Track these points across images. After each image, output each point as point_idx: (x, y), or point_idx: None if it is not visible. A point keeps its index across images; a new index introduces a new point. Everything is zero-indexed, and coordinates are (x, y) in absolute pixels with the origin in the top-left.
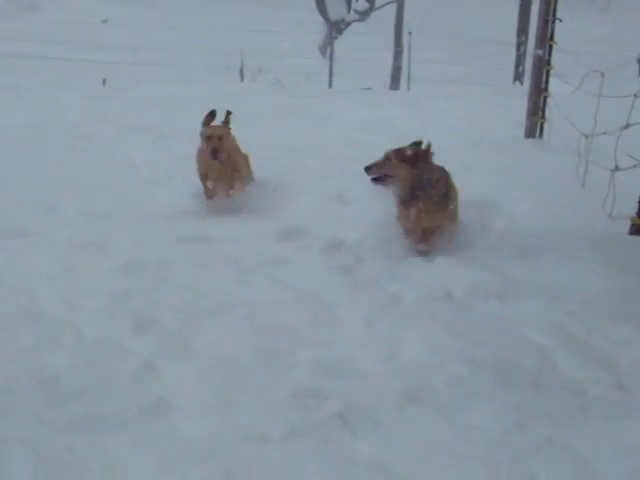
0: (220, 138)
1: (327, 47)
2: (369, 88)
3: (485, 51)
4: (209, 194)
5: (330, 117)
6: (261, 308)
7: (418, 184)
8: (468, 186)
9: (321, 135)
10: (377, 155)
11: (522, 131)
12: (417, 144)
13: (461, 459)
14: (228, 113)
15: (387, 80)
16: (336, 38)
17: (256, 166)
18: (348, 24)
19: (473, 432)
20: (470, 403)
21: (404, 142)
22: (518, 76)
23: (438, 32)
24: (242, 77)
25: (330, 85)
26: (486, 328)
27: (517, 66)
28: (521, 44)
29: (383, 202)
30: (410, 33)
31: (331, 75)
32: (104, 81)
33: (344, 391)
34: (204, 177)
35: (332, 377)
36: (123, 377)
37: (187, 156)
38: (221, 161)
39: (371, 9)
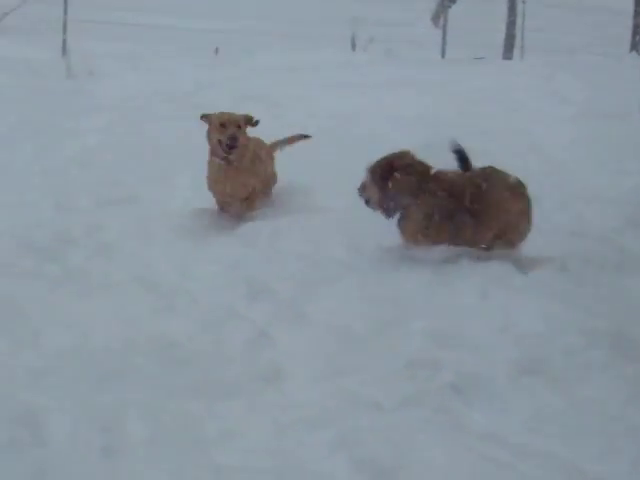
0: (239, 126)
1: (440, 16)
2: (482, 58)
3: (601, 20)
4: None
5: (442, 87)
6: (374, 277)
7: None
8: (582, 158)
9: (433, 104)
10: (489, 125)
11: (638, 102)
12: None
13: (576, 431)
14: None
15: (500, 50)
16: (449, 7)
17: (367, 135)
18: None
19: (588, 404)
20: (585, 374)
21: (518, 112)
22: (634, 45)
23: (552, 1)
24: (353, 46)
25: (443, 55)
26: (601, 299)
27: (634, 35)
28: (639, 13)
29: None
30: (524, 2)
31: (444, 44)
32: (216, 50)
33: (457, 361)
34: (215, 192)
35: (445, 347)
36: (237, 344)
37: (298, 125)
38: (237, 159)
39: None
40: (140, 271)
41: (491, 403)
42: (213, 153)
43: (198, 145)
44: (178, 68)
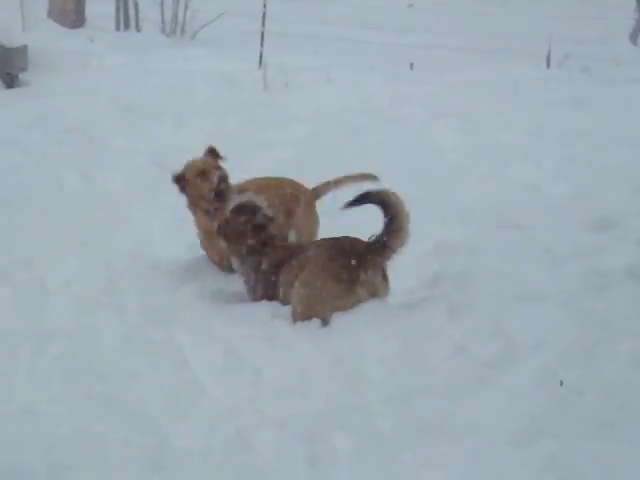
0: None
1: (638, 34)
2: None
3: None
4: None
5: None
6: (578, 298)
7: None
8: None
9: (629, 124)
10: None
11: None
12: None
13: None
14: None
15: None
16: None
17: (568, 155)
18: None
19: None
20: None
21: None
22: None
23: None
24: (548, 64)
25: None
26: None
27: None
28: None
29: None
30: None
31: None
32: (411, 65)
33: None
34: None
35: None
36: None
37: (493, 142)
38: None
39: None
40: None
41: None
42: None
43: (394, 159)
44: (371, 82)
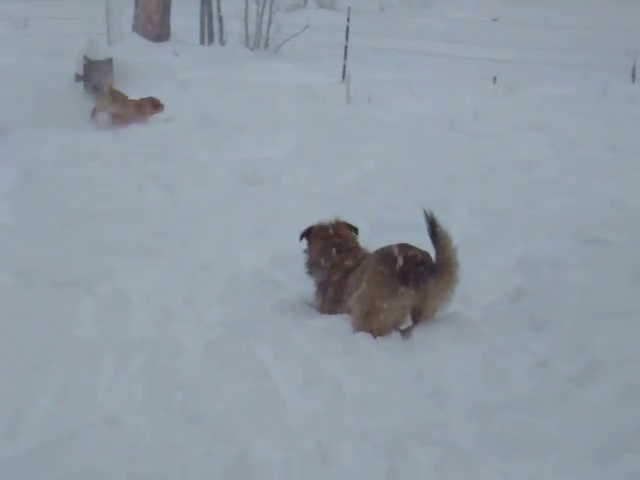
0: None
1: None
2: None
3: None
4: None
5: None
6: None
7: None
8: None
9: None
10: None
11: None
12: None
13: None
14: None
15: None
16: None
17: None
18: None
19: None
20: None
21: None
22: None
23: None
24: (633, 78)
25: None
26: None
27: None
28: None
29: None
30: None
31: None
32: (494, 79)
33: None
34: None
35: None
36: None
37: (578, 156)
38: None
39: None
40: None
41: None
42: None
43: (477, 173)
44: (455, 96)
